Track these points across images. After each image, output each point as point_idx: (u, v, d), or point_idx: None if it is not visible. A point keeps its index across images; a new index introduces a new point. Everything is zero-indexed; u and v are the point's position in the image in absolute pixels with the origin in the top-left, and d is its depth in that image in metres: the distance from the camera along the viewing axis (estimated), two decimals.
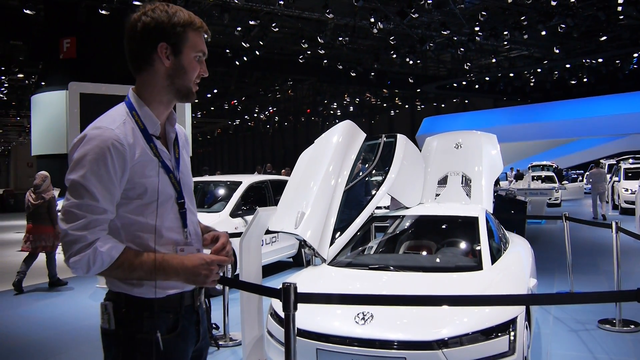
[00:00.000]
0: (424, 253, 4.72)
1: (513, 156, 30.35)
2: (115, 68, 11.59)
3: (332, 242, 4.35)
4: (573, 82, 30.43)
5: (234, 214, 7.42)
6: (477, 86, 32.55)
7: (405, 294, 3.42)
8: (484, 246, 4.25)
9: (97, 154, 1.56)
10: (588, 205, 18.55)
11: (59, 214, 1.69)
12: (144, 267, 1.62)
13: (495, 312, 3.21)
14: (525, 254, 4.82)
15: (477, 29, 19.39)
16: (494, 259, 4.16)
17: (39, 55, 19.78)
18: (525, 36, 19.92)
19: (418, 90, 33.70)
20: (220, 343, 4.97)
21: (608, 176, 19.65)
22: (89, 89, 14.91)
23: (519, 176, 21.89)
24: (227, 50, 22.27)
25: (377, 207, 5.45)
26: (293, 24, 19.89)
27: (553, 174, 22.11)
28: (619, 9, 17.89)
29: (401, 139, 5.41)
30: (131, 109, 1.71)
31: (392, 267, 4.09)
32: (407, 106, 42.20)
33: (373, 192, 4.89)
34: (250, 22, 17.42)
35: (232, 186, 8.01)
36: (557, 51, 23.56)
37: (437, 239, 4.90)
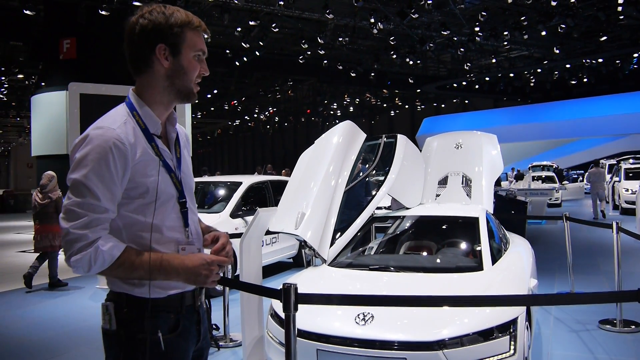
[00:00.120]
0: (425, 253, 4.71)
1: (513, 156, 30.35)
2: (116, 68, 11.57)
3: (332, 243, 4.35)
4: (573, 82, 30.44)
5: (234, 215, 7.41)
6: (477, 86, 32.55)
7: (406, 294, 3.42)
8: (484, 246, 4.25)
9: (99, 153, 1.57)
10: (588, 205, 18.55)
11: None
12: (145, 267, 1.62)
13: (496, 312, 3.21)
14: (526, 255, 4.81)
15: (477, 29, 19.39)
16: (494, 259, 4.15)
17: (39, 56, 19.79)
18: (526, 36, 19.93)
19: (418, 90, 33.71)
20: (220, 344, 4.97)
21: (608, 176, 19.67)
22: (89, 90, 14.91)
23: (519, 176, 21.87)
24: (227, 51, 22.27)
25: (378, 208, 5.45)
26: (293, 24, 19.90)
27: (553, 174, 22.10)
28: (619, 9, 17.88)
29: (401, 140, 5.40)
30: (132, 109, 1.71)
31: (392, 268, 4.08)
32: (407, 106, 42.21)
33: (373, 193, 4.88)
34: (250, 23, 17.43)
35: (232, 187, 8.01)
36: (557, 51, 23.56)
37: (438, 240, 4.89)
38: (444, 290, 3.58)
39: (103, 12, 14.73)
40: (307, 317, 3.20)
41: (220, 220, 7.11)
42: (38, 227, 7.51)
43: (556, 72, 29.42)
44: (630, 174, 17.24)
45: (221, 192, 8.24)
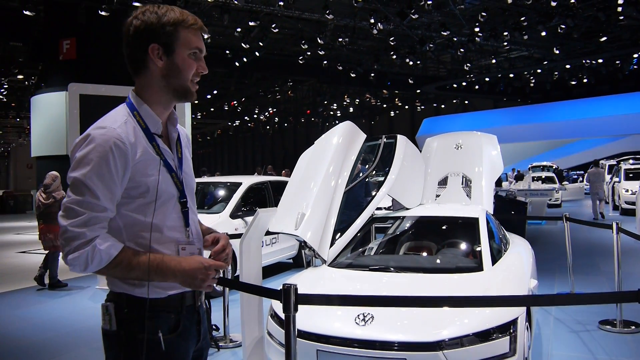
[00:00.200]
0: (425, 254, 4.71)
1: (513, 157, 30.36)
2: (115, 69, 11.57)
3: (332, 243, 4.34)
4: (573, 82, 30.45)
5: (234, 215, 7.41)
6: (477, 87, 32.56)
7: (406, 295, 3.42)
8: (484, 247, 4.25)
9: (99, 153, 1.57)
10: (588, 206, 18.56)
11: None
12: (142, 267, 1.62)
13: (496, 313, 3.21)
14: (526, 255, 4.81)
15: (477, 29, 19.40)
16: (494, 259, 4.15)
17: (39, 56, 19.79)
18: (525, 37, 19.93)
19: (418, 91, 33.72)
20: (220, 344, 4.96)
21: (608, 177, 19.68)
22: (88, 90, 14.90)
23: (519, 177, 21.87)
24: (227, 52, 22.28)
25: (378, 208, 5.45)
26: (293, 24, 19.90)
27: (553, 175, 22.11)
28: (619, 9, 17.89)
29: (401, 140, 5.40)
30: (132, 109, 1.72)
31: (392, 268, 4.08)
32: (407, 107, 42.23)
33: (373, 193, 4.88)
34: (250, 23, 17.43)
35: (232, 187, 8.00)
36: (557, 52, 23.57)
37: (438, 240, 4.89)
38: (444, 290, 3.58)
39: (103, 13, 14.73)
40: (307, 318, 3.19)
41: (220, 221, 7.11)
42: (42, 226, 7.55)
43: (556, 73, 29.43)
44: (630, 175, 17.24)
45: (221, 192, 8.24)
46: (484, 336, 3.08)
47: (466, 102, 38.76)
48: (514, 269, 4.22)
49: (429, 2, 15.94)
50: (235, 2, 15.89)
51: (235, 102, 38.05)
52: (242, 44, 19.90)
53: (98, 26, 15.67)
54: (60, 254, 5.47)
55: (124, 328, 1.65)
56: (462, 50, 22.16)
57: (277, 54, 25.16)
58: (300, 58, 23.03)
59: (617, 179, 17.96)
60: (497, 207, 6.34)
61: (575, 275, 6.67)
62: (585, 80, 29.45)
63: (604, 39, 21.91)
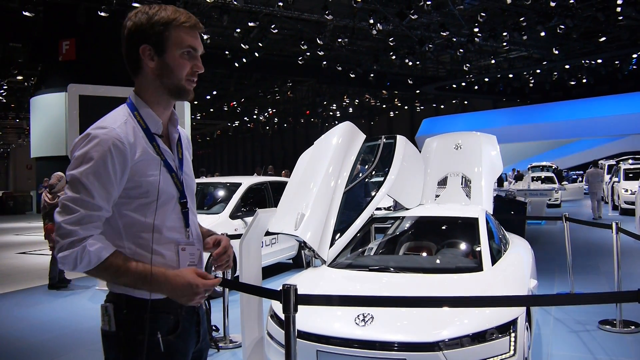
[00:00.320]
0: (424, 254, 4.71)
1: (513, 157, 30.39)
2: (115, 70, 11.59)
3: (332, 244, 4.34)
4: (572, 82, 30.48)
5: (233, 216, 7.41)
6: (476, 87, 32.59)
7: (406, 295, 3.42)
8: (484, 247, 4.25)
9: (98, 152, 1.58)
10: (588, 206, 18.58)
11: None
12: (130, 276, 1.60)
13: (496, 313, 3.21)
14: (526, 255, 4.81)
15: (476, 30, 19.42)
16: (494, 260, 4.15)
17: (38, 57, 19.79)
18: (525, 37, 19.95)
19: (417, 91, 33.75)
20: (220, 345, 4.96)
21: (607, 177, 19.70)
22: (88, 91, 14.92)
23: (518, 177, 21.87)
24: (227, 52, 22.29)
25: (377, 209, 5.44)
26: (292, 25, 19.91)
27: (553, 175, 22.12)
28: (618, 9, 17.91)
29: (401, 140, 5.40)
30: (133, 110, 1.72)
31: (392, 269, 4.08)
32: (406, 107, 42.25)
33: (373, 194, 4.88)
34: (250, 24, 17.44)
35: (232, 187, 8.00)
36: (557, 52, 23.60)
37: (437, 240, 4.89)
38: (443, 291, 3.58)
39: (102, 14, 14.72)
40: (307, 318, 3.19)
41: (219, 221, 7.11)
42: (48, 226, 7.62)
43: (555, 73, 29.46)
44: (630, 175, 17.27)
45: (221, 193, 8.23)
46: (483, 336, 3.08)
47: (465, 102, 38.79)
48: (514, 269, 4.22)
49: (428, 3, 15.96)
50: (235, 2, 15.89)
51: (234, 102, 38.05)
52: (242, 45, 19.91)
53: (97, 27, 15.67)
54: None
55: (123, 329, 1.65)
56: (461, 50, 22.18)
57: (276, 54, 25.17)
58: (299, 58, 23.04)
59: (616, 179, 17.99)
60: (497, 207, 6.33)
61: (575, 275, 6.67)
62: (584, 81, 29.48)
63: (603, 39, 21.94)
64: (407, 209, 5.36)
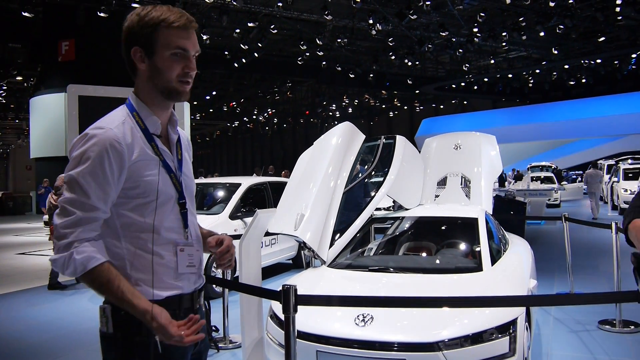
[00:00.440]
0: (424, 254, 4.71)
1: (512, 157, 30.40)
2: (114, 70, 11.60)
3: (331, 244, 4.34)
4: (572, 82, 30.51)
5: (233, 216, 7.40)
6: (475, 87, 32.61)
7: (405, 295, 3.42)
8: (483, 247, 4.25)
9: (95, 152, 1.58)
10: (587, 206, 18.58)
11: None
12: (111, 295, 1.58)
13: (496, 313, 3.21)
14: (525, 255, 4.81)
15: (475, 30, 19.42)
16: (493, 260, 4.15)
17: (38, 58, 19.79)
18: (524, 37, 19.96)
19: (417, 91, 33.75)
20: (220, 345, 4.96)
21: (607, 177, 19.73)
22: (87, 92, 14.93)
23: (518, 177, 21.89)
24: (226, 52, 22.29)
25: (377, 209, 5.44)
26: (292, 25, 19.91)
27: (552, 175, 22.13)
28: (617, 9, 17.92)
29: (400, 140, 5.40)
30: (132, 110, 1.72)
31: (391, 269, 4.08)
32: (405, 107, 42.26)
33: (372, 194, 4.88)
34: (249, 24, 17.45)
35: (232, 188, 8.00)
36: (556, 52, 23.61)
37: (437, 240, 4.89)
38: (443, 291, 3.58)
39: (102, 14, 14.71)
40: (307, 319, 3.19)
41: (219, 222, 7.11)
42: (52, 227, 7.61)
43: (555, 73, 29.48)
44: (629, 174, 17.30)
45: (220, 193, 8.23)
46: (483, 336, 3.08)
47: (465, 102, 38.80)
48: (514, 269, 4.22)
49: (428, 3, 15.96)
50: (234, 3, 15.89)
51: (234, 103, 38.06)
52: (241, 45, 19.91)
53: (97, 27, 15.67)
54: None
55: (121, 330, 1.64)
56: (460, 50, 22.19)
57: (276, 54, 25.18)
58: (299, 59, 23.05)
59: (615, 179, 18.02)
60: (496, 207, 6.34)
61: (575, 275, 6.68)
62: (583, 81, 29.51)
63: (602, 39, 21.97)
64: (406, 209, 5.36)
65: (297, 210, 4.24)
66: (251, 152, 58.76)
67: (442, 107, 41.06)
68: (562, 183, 22.27)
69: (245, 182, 8.18)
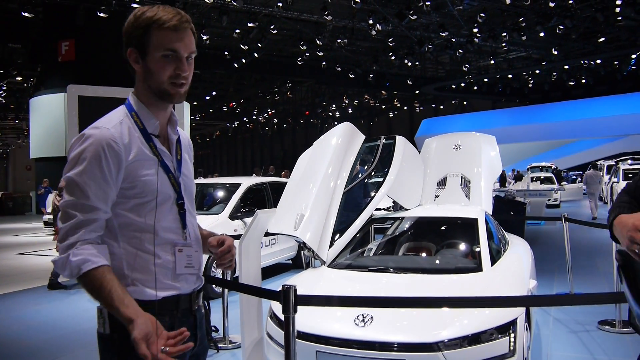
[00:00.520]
0: (424, 255, 4.71)
1: (512, 157, 30.40)
2: (114, 70, 11.61)
3: (331, 244, 4.34)
4: (572, 83, 30.52)
5: (233, 216, 7.40)
6: (475, 87, 32.61)
7: (405, 295, 3.42)
8: (483, 247, 4.25)
9: (92, 152, 1.57)
10: (587, 206, 18.58)
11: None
12: (102, 300, 1.54)
13: (495, 313, 3.21)
14: (525, 255, 4.81)
15: (475, 30, 19.43)
16: (493, 260, 4.15)
17: (38, 58, 19.79)
18: (524, 37, 19.97)
19: (417, 91, 33.77)
20: (219, 346, 4.96)
21: (607, 177, 19.75)
22: (87, 92, 14.93)
23: (518, 177, 21.90)
24: (226, 53, 22.29)
25: (377, 209, 5.44)
26: (292, 26, 19.92)
27: (552, 175, 22.14)
28: (617, 10, 17.93)
29: (400, 141, 5.40)
30: (130, 110, 1.72)
31: (391, 269, 4.08)
32: (405, 108, 42.28)
33: (372, 194, 4.88)
34: (249, 25, 17.45)
35: (231, 188, 8.00)
36: (556, 52, 23.62)
37: (437, 241, 4.89)
38: (443, 291, 3.58)
39: (102, 14, 14.71)
40: (307, 319, 3.19)
41: (219, 222, 7.10)
42: (57, 229, 7.63)
43: (554, 73, 29.50)
44: (629, 175, 17.31)
45: (220, 193, 8.23)
46: (483, 337, 3.08)
47: (465, 102, 38.81)
48: (513, 269, 4.22)
49: (428, 3, 15.97)
50: (234, 3, 15.90)
51: (234, 103, 38.06)
52: (241, 45, 19.92)
53: (97, 28, 15.66)
54: None
55: (118, 331, 1.61)
56: (460, 51, 22.21)
57: (275, 55, 25.19)
58: (299, 59, 23.06)
59: (615, 180, 18.02)
60: (496, 207, 6.34)
61: (575, 275, 6.67)
62: (583, 81, 29.52)
63: (602, 39, 21.98)
64: (406, 210, 5.36)
65: (297, 211, 4.24)
66: (251, 152, 58.76)
67: (442, 107, 41.07)
68: (562, 183, 22.28)
69: (245, 182, 8.18)
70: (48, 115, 17.06)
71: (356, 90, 36.32)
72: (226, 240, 1.86)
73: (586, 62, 25.82)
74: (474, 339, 3.06)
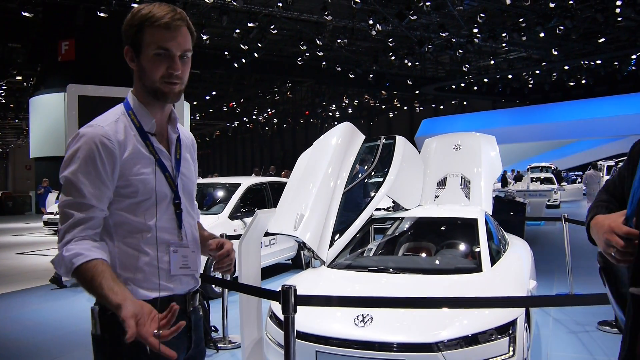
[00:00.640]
0: (424, 255, 4.71)
1: (512, 158, 30.41)
2: (114, 70, 11.59)
3: (331, 244, 4.34)
4: (572, 83, 30.53)
5: (232, 216, 7.40)
6: (475, 88, 32.62)
7: (405, 296, 3.42)
8: (483, 248, 4.25)
9: (85, 151, 1.56)
10: (587, 206, 18.61)
11: None
12: (93, 292, 1.49)
13: (495, 314, 3.21)
14: (525, 256, 4.81)
15: (475, 30, 19.44)
16: (493, 260, 4.15)
17: (38, 58, 19.79)
18: (524, 38, 19.97)
19: (417, 92, 33.77)
20: (219, 346, 4.95)
21: (606, 177, 19.76)
22: (87, 91, 14.91)
23: (518, 177, 21.91)
24: (226, 53, 22.29)
25: (377, 209, 5.44)
26: (292, 26, 19.92)
27: (552, 176, 22.15)
28: (617, 10, 17.94)
29: (400, 141, 5.40)
30: (128, 109, 1.71)
31: (391, 269, 4.08)
32: (405, 108, 42.29)
33: (372, 194, 4.88)
34: (249, 25, 17.46)
35: (231, 188, 8.00)
36: (556, 53, 23.63)
37: (437, 241, 4.89)
38: (443, 291, 3.58)
39: (102, 14, 14.70)
40: (306, 319, 3.19)
41: (219, 222, 7.10)
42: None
43: (554, 74, 29.49)
44: None
45: (220, 193, 8.22)
46: (483, 337, 3.07)
47: (465, 103, 38.82)
48: (513, 269, 4.22)
49: (428, 4, 15.98)
50: (234, 3, 15.90)
51: (234, 103, 38.07)
52: (241, 45, 19.92)
53: (97, 27, 15.67)
54: None
55: (108, 332, 1.61)
56: (460, 51, 22.21)
57: (275, 55, 25.19)
58: (299, 59, 23.06)
59: None
60: (496, 207, 6.34)
61: (574, 276, 6.67)
62: (583, 81, 29.54)
63: (602, 40, 21.99)
64: (406, 210, 5.36)
65: (296, 211, 4.24)
66: (251, 152, 58.77)
67: (442, 107, 41.07)
68: (562, 184, 22.29)
69: (245, 182, 8.18)
70: (48, 115, 17.07)
71: (356, 90, 36.34)
72: (225, 244, 1.84)
73: (586, 62, 25.83)
74: (474, 339, 3.06)
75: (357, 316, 3.24)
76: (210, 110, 39.93)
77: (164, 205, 1.70)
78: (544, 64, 27.24)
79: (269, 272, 8.29)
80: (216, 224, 6.98)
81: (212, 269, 6.60)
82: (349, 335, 3.16)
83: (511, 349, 3.09)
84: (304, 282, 3.95)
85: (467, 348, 3.02)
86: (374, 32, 18.09)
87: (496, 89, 32.73)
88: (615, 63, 26.86)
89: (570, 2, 17.22)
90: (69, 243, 1.53)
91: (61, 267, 1.53)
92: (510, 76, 29.99)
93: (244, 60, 22.39)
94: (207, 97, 33.25)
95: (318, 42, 20.09)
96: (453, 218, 5.04)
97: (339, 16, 18.69)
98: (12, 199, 27.26)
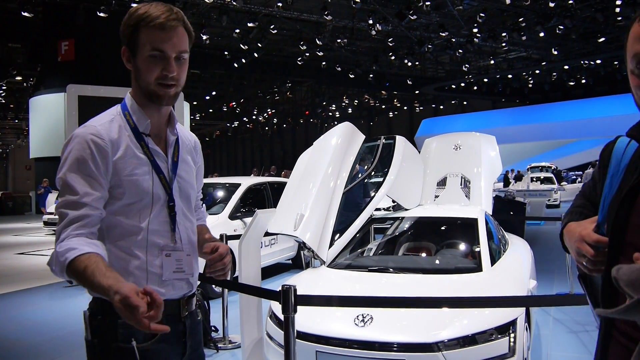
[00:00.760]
0: (424, 255, 4.71)
1: (512, 157, 30.40)
2: (114, 70, 11.57)
3: (331, 244, 4.34)
4: (571, 83, 30.53)
5: (232, 216, 7.40)
6: (475, 87, 32.63)
7: (405, 295, 3.42)
8: (483, 248, 4.25)
9: (77, 150, 1.56)
10: None
11: None
12: (87, 283, 1.43)
13: (495, 313, 3.21)
14: (525, 255, 4.81)
15: (475, 30, 19.44)
16: (493, 260, 4.15)
17: (38, 58, 19.79)
18: (524, 37, 19.98)
19: (417, 91, 33.78)
20: (219, 346, 4.96)
21: None
22: (87, 92, 14.92)
23: (518, 177, 21.91)
24: (226, 53, 22.29)
25: (377, 209, 5.44)
26: (292, 26, 19.92)
27: (552, 175, 22.15)
28: (617, 10, 17.94)
29: (400, 141, 5.40)
30: (124, 109, 1.69)
31: (391, 269, 4.08)
32: (405, 108, 42.29)
33: (372, 194, 4.88)
34: (249, 24, 17.45)
35: (231, 188, 8.00)
36: (556, 52, 23.63)
37: (437, 241, 4.89)
38: (443, 291, 3.58)
39: (101, 14, 14.70)
40: (306, 319, 3.19)
41: (219, 222, 7.10)
42: None
43: (554, 73, 29.52)
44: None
45: (220, 193, 8.23)
46: (483, 337, 3.07)
47: (465, 102, 38.83)
48: (513, 269, 4.22)
49: (428, 3, 15.97)
50: (234, 3, 15.89)
51: (234, 103, 38.07)
52: (241, 45, 19.92)
53: (97, 27, 15.66)
54: None
55: (98, 336, 1.59)
56: (460, 51, 22.21)
57: (275, 55, 25.20)
58: (298, 59, 23.06)
59: None
60: (496, 207, 6.33)
61: (574, 275, 6.67)
62: (583, 81, 29.55)
63: (602, 39, 21.97)
64: (406, 210, 5.36)
65: (296, 211, 4.24)
66: (251, 152, 58.77)
67: (442, 107, 41.07)
68: (562, 184, 22.28)
69: (245, 182, 8.18)
70: (48, 115, 17.07)
71: (356, 90, 36.34)
72: (220, 247, 1.77)
73: (586, 62, 25.83)
74: (474, 339, 3.06)
75: (357, 316, 3.24)
76: (210, 110, 39.93)
77: (157, 208, 1.67)
78: (543, 63, 27.24)
79: (269, 272, 8.29)
80: (216, 224, 6.98)
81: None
82: (349, 335, 3.16)
83: (511, 348, 3.09)
84: (304, 282, 3.95)
85: (467, 348, 3.02)
86: (373, 32, 18.09)
87: (496, 89, 32.74)
88: (615, 63, 26.88)
89: (570, 1, 17.22)
90: (63, 241, 1.49)
91: (55, 264, 1.47)
92: (510, 76, 30.00)
93: (243, 60, 22.40)
94: (207, 97, 33.26)
95: (318, 42, 20.09)
96: (453, 218, 5.04)
97: (339, 16, 18.69)
98: (12, 199, 27.27)
